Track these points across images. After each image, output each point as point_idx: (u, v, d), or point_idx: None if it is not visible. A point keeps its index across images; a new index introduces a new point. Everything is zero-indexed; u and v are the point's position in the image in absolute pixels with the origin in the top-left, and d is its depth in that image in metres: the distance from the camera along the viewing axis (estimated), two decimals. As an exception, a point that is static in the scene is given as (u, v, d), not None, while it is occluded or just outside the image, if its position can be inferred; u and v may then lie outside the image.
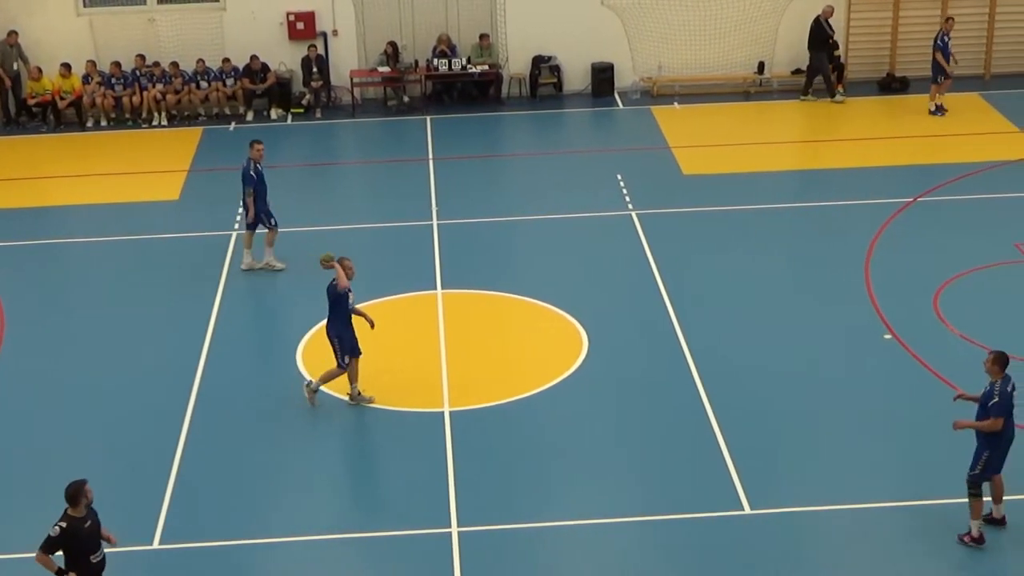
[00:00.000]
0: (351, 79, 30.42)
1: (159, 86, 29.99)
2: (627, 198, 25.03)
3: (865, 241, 22.87)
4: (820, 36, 29.76)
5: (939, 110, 28.82)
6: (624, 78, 30.89)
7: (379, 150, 28.45)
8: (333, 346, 18.27)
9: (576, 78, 30.99)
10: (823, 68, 29.89)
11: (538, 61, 30.79)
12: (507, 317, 20.98)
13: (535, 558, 15.46)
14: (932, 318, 20.42)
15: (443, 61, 30.10)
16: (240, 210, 23.48)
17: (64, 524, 13.34)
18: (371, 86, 30.84)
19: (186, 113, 30.32)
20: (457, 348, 19.50)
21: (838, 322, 20.38)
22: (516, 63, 30.85)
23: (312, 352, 19.78)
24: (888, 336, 19.92)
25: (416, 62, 30.45)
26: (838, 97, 29.90)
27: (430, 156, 27.45)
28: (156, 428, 18.03)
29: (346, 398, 18.47)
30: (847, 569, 15.16)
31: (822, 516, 16.02)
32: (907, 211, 24.10)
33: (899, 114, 29.36)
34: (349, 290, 18.10)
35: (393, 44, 30.27)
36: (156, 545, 15.63)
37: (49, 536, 13.33)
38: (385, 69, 30.27)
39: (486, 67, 30.31)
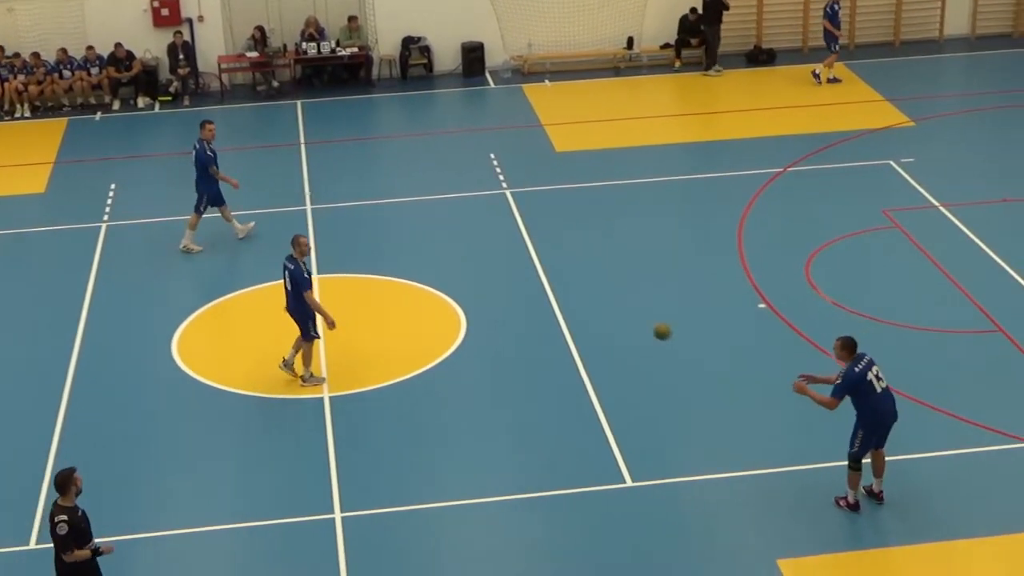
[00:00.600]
0: (219, 65, 30.05)
1: (20, 77, 29.33)
2: (501, 177, 25.04)
3: (737, 212, 23.13)
4: (717, 9, 30.03)
5: (835, 80, 29.23)
6: (495, 57, 30.87)
7: (249, 136, 28.13)
8: (300, 321, 18.26)
9: (447, 58, 30.92)
10: (714, 42, 30.18)
11: (408, 42, 30.65)
12: (384, 300, 20.89)
13: (421, 540, 15.43)
14: (804, 286, 20.71)
15: (312, 45, 29.84)
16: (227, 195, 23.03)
17: (65, 517, 13.11)
18: (239, 71, 30.49)
19: (50, 104, 29.72)
20: (335, 333, 19.38)
21: (713, 293, 20.61)
22: (386, 45, 30.69)
23: (187, 343, 19.54)
24: (762, 305, 20.19)
25: (284, 46, 30.15)
26: (713, 71, 30.21)
27: (302, 140, 27.22)
28: (29, 427, 17.69)
29: (228, 388, 18.31)
30: (728, 535, 15.35)
31: (703, 485, 16.18)
32: (777, 181, 24.42)
33: (767, 86, 29.70)
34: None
35: (260, 28, 29.94)
36: (33, 545, 15.33)
37: (62, 537, 13.12)
38: (253, 54, 29.94)
39: (355, 50, 30.10)
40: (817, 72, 29.24)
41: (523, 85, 30.10)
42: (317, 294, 19.15)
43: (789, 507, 15.76)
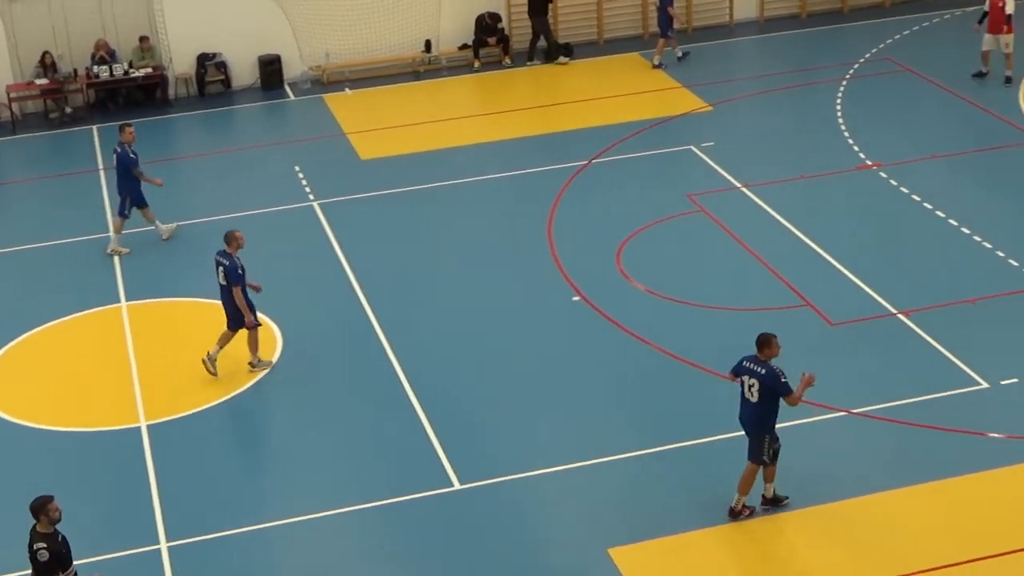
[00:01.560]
0: (7, 94, 29.17)
1: None
2: (307, 189, 24.79)
3: (546, 208, 23.28)
4: (541, 1, 30.22)
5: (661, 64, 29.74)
6: (293, 69, 30.55)
7: (44, 165, 27.33)
8: (234, 314, 18.48)
9: (244, 73, 30.49)
10: (547, 31, 30.30)
11: (203, 59, 30.15)
12: (195, 322, 20.48)
13: (255, 562, 15.21)
14: (617, 275, 20.94)
15: (103, 68, 29.13)
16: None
17: (45, 544, 13.12)
18: (30, 100, 29.63)
19: None
20: (149, 360, 18.96)
21: (527, 289, 20.70)
22: (180, 63, 30.13)
23: (7, 369, 19.00)
24: (576, 298, 20.34)
25: (75, 71, 29.39)
26: (561, 59, 30.36)
27: (100, 166, 26.55)
28: None
29: (38, 426, 17.84)
30: (559, 528, 15.43)
31: (530, 481, 16.25)
32: (583, 173, 24.63)
33: (567, 79, 29.90)
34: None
35: (48, 54, 29.14)
36: None
37: (44, 564, 13.11)
38: (43, 81, 29.12)
39: (149, 70, 29.48)
40: (659, 62, 29.69)
41: (324, 95, 29.84)
42: (126, 322, 18.72)
43: (618, 496, 15.92)
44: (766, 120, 27.03)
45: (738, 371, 15.28)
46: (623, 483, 16.15)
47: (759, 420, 15.18)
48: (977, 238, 21.41)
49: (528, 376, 18.49)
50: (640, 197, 23.59)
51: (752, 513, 15.48)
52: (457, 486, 16.18)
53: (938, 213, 22.30)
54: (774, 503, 15.61)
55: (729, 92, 28.20)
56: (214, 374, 18.55)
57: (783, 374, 15.00)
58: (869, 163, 24.27)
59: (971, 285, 20.08)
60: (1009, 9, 26.76)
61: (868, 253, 21.23)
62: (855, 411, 17.31)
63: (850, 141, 25.25)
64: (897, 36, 30.61)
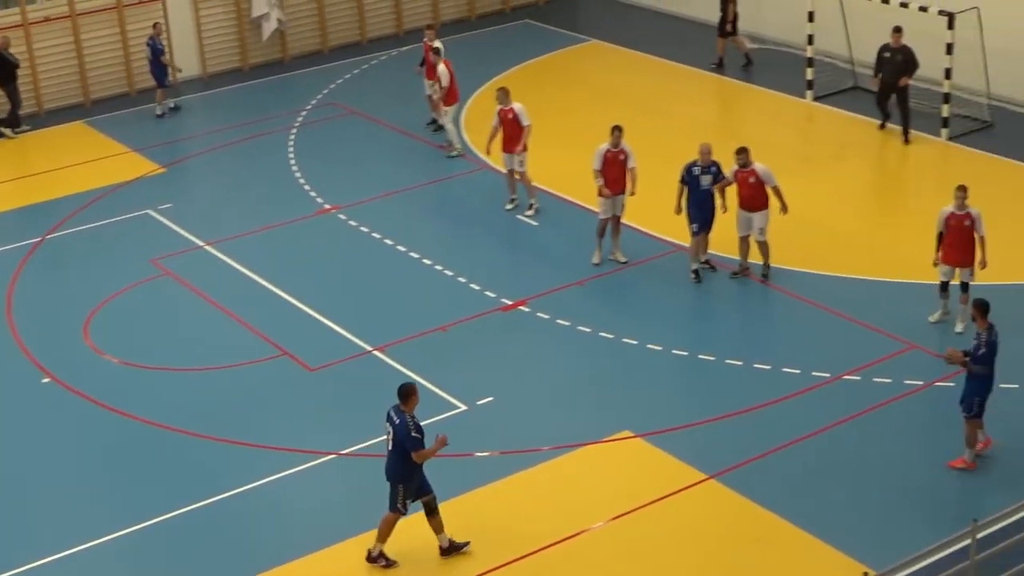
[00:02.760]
0: None
1: None
2: None
3: (2, 292, 22.15)
4: (7, 68, 28.42)
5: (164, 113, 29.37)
6: None
7: None
8: None
9: None
10: (16, 98, 28.54)
11: None
12: None
13: None
14: (87, 350, 20.20)
15: None
16: None
17: None
18: None
19: None
20: None
21: (-7, 379, 19.66)
22: None
23: None
24: (46, 380, 19.47)
25: None
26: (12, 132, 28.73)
27: None
28: None
29: None
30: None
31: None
32: (38, 251, 23.62)
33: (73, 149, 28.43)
34: None
35: None
36: None
37: None
38: None
39: None
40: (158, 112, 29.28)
41: None
42: None
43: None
44: (222, 176, 26.90)
45: (387, 418, 15.16)
46: (130, 560, 15.60)
47: (393, 468, 15.11)
48: (439, 267, 22.16)
49: (7, 468, 17.53)
50: (102, 267, 22.88)
51: (388, 564, 15.40)
52: None
53: (399, 248, 22.91)
54: (452, 550, 15.53)
55: (181, 152, 27.86)
56: None
57: (417, 428, 14.90)
58: (328, 207, 24.62)
59: (440, 313, 20.74)
60: (445, 82, 26.25)
61: (338, 295, 21.53)
62: (344, 452, 17.47)
63: (307, 187, 25.53)
64: (340, 80, 31.27)
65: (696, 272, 21.24)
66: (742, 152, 20.87)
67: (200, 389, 19.11)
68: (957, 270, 19.40)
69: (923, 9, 26.25)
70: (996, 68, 26.88)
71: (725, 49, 30.57)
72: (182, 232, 23.95)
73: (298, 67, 32.31)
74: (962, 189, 19.06)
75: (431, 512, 15.40)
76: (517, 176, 23.86)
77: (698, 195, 21.02)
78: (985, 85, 27.00)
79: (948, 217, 19.21)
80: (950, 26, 25.76)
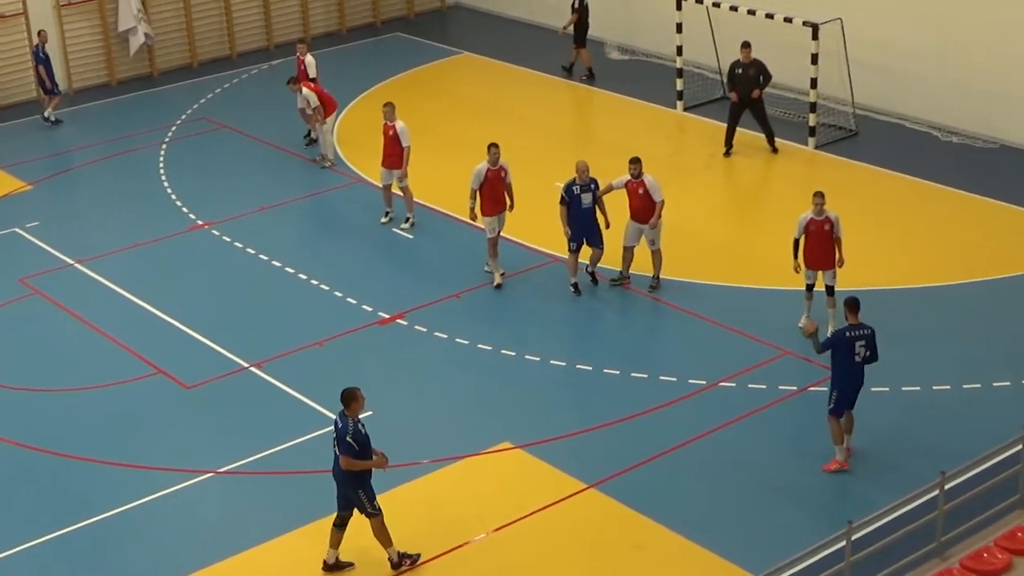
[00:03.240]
0: None
1: None
2: None
3: None
4: None
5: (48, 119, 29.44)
6: None
7: None
8: None
9: None
10: None
11: None
12: None
13: None
14: (-46, 374, 19.79)
15: None
16: None
17: None
18: None
19: None
20: None
21: None
22: None
23: None
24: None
25: None
26: None
27: None
28: None
29: None
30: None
31: None
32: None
33: None
34: None
35: None
36: None
37: None
38: None
39: None
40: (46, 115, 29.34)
41: None
42: None
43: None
44: (91, 192, 26.48)
45: (334, 423, 15.14)
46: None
47: (340, 472, 15.04)
48: (315, 282, 22.04)
49: None
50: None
51: (412, 559, 15.44)
52: None
53: (274, 263, 22.74)
54: (336, 568, 15.43)
55: (48, 169, 27.36)
56: None
57: (356, 434, 14.88)
58: (200, 223, 24.36)
59: (317, 328, 20.61)
60: (315, 102, 26.17)
61: (213, 312, 21.30)
62: (221, 470, 17.28)
63: (179, 203, 25.23)
64: (210, 95, 30.96)
65: (575, 286, 21.34)
66: (635, 162, 21.03)
67: (73, 410, 18.77)
68: (820, 273, 19.87)
69: (788, 20, 26.73)
70: (860, 78, 27.46)
71: (590, 59, 30.87)
72: (51, 250, 23.52)
73: (167, 82, 31.93)
74: (820, 195, 19.57)
75: (340, 525, 15.32)
76: (398, 191, 23.78)
77: (580, 213, 21.07)
78: (850, 95, 27.56)
79: (808, 223, 19.66)
80: (814, 36, 26.27)
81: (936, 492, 14.26)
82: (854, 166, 25.85)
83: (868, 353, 16.64)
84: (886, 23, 27.60)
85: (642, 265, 21.46)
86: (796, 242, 19.75)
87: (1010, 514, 14.84)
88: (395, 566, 15.37)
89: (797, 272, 19.92)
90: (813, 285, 19.91)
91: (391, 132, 23.55)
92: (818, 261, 19.73)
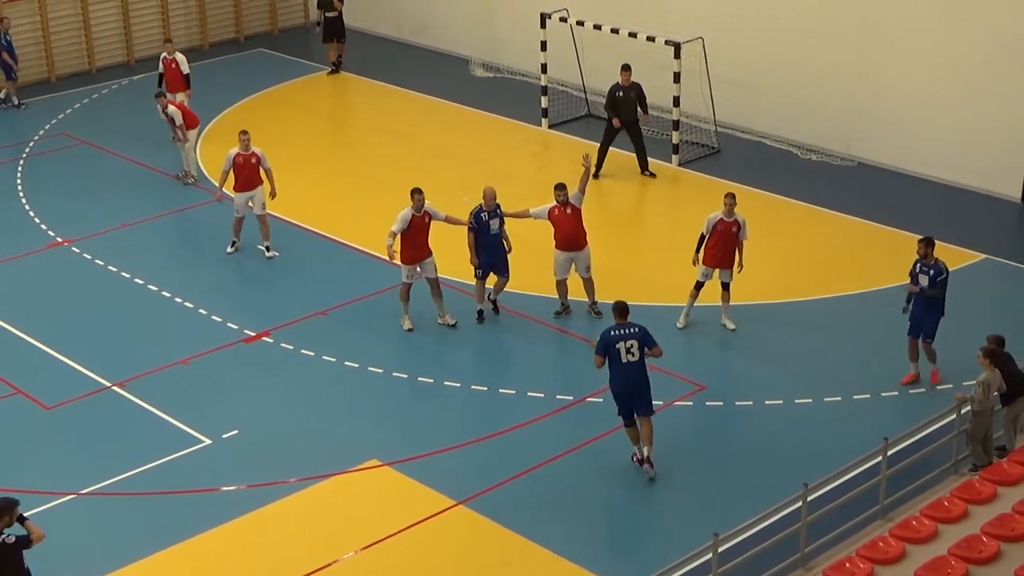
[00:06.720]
0: None
1: None
2: None
3: None
4: None
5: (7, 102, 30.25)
6: None
7: None
8: None
9: None
10: None
11: None
12: None
13: None
14: None
15: None
16: None
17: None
18: None
19: None
20: None
21: None
22: None
23: None
24: None
25: None
26: None
27: None
28: None
29: None
30: None
31: None
32: None
33: None
34: None
35: None
36: None
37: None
38: None
39: None
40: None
41: None
42: None
43: None
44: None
45: None
46: None
47: None
48: (178, 299, 21.75)
49: None
50: None
51: None
52: None
53: (137, 280, 22.40)
54: None
55: None
56: None
57: None
58: (60, 240, 23.91)
59: (180, 346, 20.35)
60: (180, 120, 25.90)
61: (73, 330, 20.91)
62: (84, 492, 16.96)
63: (37, 220, 24.74)
64: (69, 110, 30.44)
65: (480, 313, 21.19)
66: (561, 188, 20.70)
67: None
68: (717, 271, 20.40)
69: (651, 39, 27.06)
70: (722, 96, 27.89)
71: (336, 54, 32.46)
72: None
73: (24, 97, 31.25)
74: (731, 197, 20.20)
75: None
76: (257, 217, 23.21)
77: (488, 239, 20.83)
78: (712, 113, 27.98)
79: (717, 223, 20.19)
80: (676, 55, 26.63)
81: (799, 504, 14.52)
82: (716, 183, 26.21)
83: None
84: (747, 43, 28.09)
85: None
86: (702, 238, 20.26)
87: (871, 524, 15.18)
88: None
89: (695, 265, 20.39)
90: (703, 284, 20.39)
91: (253, 160, 23.01)
92: (718, 259, 20.33)
